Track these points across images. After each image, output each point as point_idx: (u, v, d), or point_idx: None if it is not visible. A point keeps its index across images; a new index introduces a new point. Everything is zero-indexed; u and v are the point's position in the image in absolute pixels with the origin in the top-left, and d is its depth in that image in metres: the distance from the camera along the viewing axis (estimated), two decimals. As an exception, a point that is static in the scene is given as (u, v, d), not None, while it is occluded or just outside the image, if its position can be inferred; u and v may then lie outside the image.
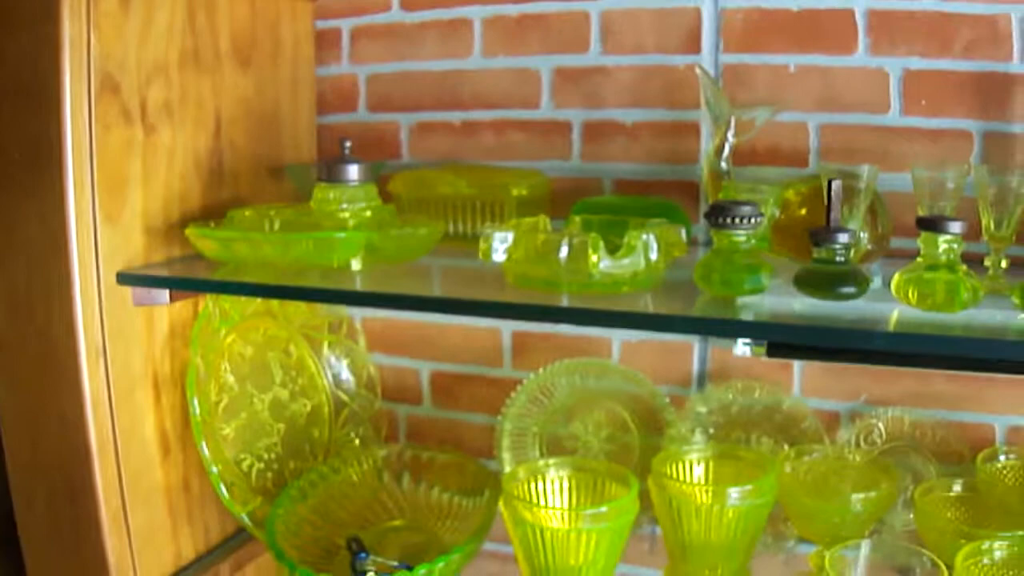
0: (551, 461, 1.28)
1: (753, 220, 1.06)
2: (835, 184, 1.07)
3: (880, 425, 1.39)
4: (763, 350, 1.32)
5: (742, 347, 1.36)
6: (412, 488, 1.46)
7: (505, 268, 1.11)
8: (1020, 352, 0.99)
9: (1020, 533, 1.17)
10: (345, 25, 1.58)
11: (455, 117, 1.53)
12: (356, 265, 1.19)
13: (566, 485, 1.27)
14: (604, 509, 1.15)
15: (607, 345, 1.50)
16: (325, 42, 1.60)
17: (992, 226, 1.17)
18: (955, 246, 1.02)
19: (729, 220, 1.05)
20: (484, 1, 1.48)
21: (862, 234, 1.22)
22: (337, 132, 1.57)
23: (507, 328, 1.56)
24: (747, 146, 1.33)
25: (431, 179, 1.38)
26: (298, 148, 1.55)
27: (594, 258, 1.06)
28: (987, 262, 1.15)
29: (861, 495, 1.23)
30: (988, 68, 1.29)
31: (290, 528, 1.32)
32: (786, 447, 1.38)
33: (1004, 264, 1.14)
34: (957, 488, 1.28)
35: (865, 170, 1.14)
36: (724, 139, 1.26)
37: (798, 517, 1.27)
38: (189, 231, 1.22)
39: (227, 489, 1.31)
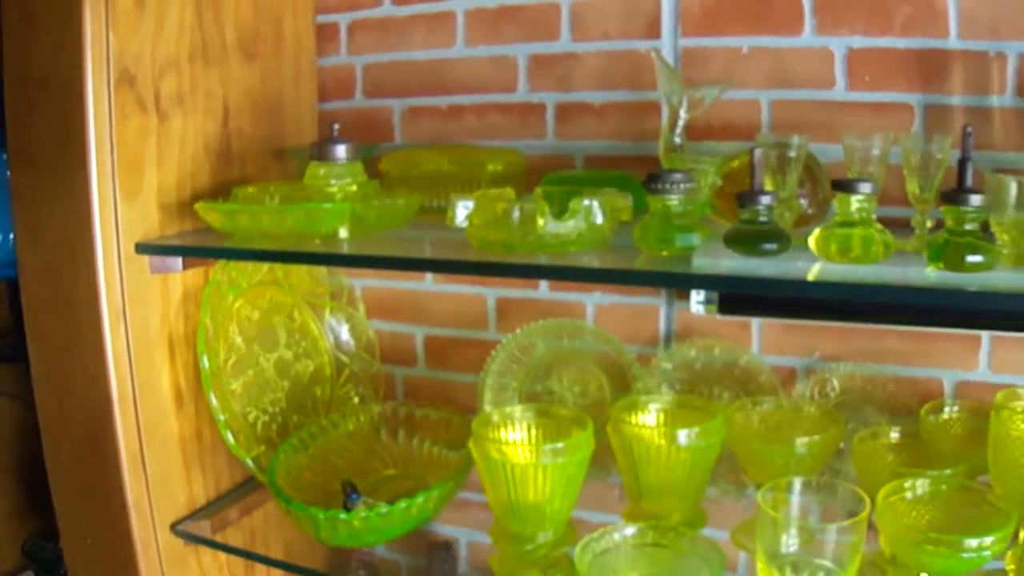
0: (517, 408, 1.45)
1: (683, 186, 1.23)
2: (756, 153, 1.23)
3: (834, 380, 1.56)
4: (715, 308, 1.51)
5: (696, 305, 1.53)
6: (406, 441, 1.65)
7: (469, 233, 1.29)
8: (921, 298, 1.15)
9: (942, 472, 1.31)
10: (343, 19, 1.78)
11: (441, 102, 1.73)
12: (344, 233, 1.39)
13: (530, 428, 1.43)
14: (561, 445, 1.32)
15: (582, 308, 1.69)
16: (325, 35, 1.80)
17: (917, 190, 1.33)
18: (867, 205, 1.19)
19: (662, 186, 1.23)
20: (467, -6, 1.72)
21: (802, 200, 1.39)
22: (336, 117, 1.71)
23: (492, 294, 1.75)
24: (703, 122, 1.49)
25: (417, 158, 1.57)
26: (300, 132, 1.74)
27: (541, 221, 1.24)
28: (913, 223, 1.31)
29: (805, 439, 1.39)
30: (927, 44, 1.45)
31: (291, 473, 1.52)
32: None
33: (929, 224, 1.30)
34: (895, 435, 1.43)
35: (796, 140, 1.31)
36: (676, 116, 1.43)
37: (749, 462, 1.44)
38: (198, 206, 1.42)
39: (233, 436, 1.50)
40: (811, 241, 1.21)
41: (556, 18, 1.63)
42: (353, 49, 1.79)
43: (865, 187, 1.19)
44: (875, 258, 1.18)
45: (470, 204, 1.29)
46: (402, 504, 1.37)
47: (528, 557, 1.37)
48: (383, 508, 1.37)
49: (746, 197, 1.22)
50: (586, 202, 1.25)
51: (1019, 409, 1.30)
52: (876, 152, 1.32)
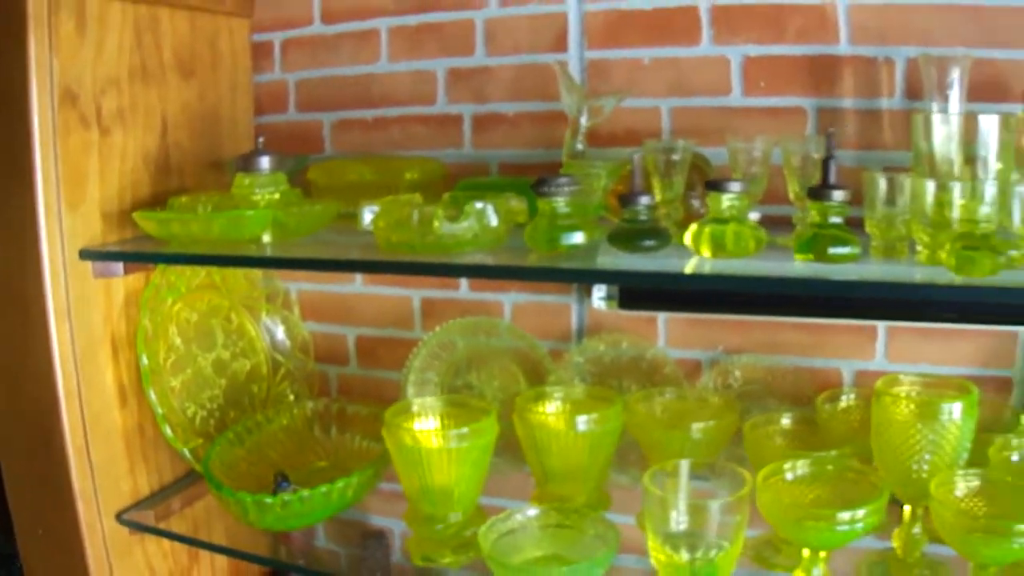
0: (428, 399, 1.60)
1: (568, 189, 1.37)
2: (635, 157, 1.37)
3: (736, 371, 1.69)
4: (616, 303, 1.65)
5: (598, 301, 1.67)
6: (337, 436, 1.80)
7: (375, 235, 1.42)
8: (787, 287, 1.29)
9: (828, 453, 1.45)
10: (277, 38, 1.94)
11: (367, 114, 1.89)
12: (267, 238, 1.53)
13: (440, 417, 1.56)
14: (465, 430, 1.46)
15: (499, 307, 1.84)
16: (260, 53, 1.95)
17: (797, 188, 1.46)
18: (737, 203, 1.31)
19: (548, 189, 1.36)
20: (389, 13, 1.83)
21: (694, 200, 1.53)
22: (271, 130, 1.92)
23: (416, 295, 1.90)
24: (607, 130, 1.64)
25: (341, 168, 1.72)
26: (238, 145, 1.88)
27: (436, 223, 1.39)
28: (795, 220, 1.44)
29: (700, 424, 1.52)
30: (819, 51, 1.60)
31: (227, 465, 1.66)
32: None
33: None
34: (786, 422, 1.57)
35: (680, 144, 1.44)
36: (578, 124, 1.57)
37: (650, 449, 1.56)
38: (136, 215, 1.56)
39: (172, 430, 1.65)
40: (687, 238, 1.35)
41: (472, 34, 1.78)
42: (286, 66, 1.95)
43: (735, 186, 1.33)
44: (747, 252, 1.32)
45: (375, 208, 1.44)
46: (322, 489, 1.51)
47: (439, 536, 1.51)
48: (305, 493, 1.51)
49: (626, 198, 1.36)
50: (479, 205, 1.39)
51: (899, 395, 1.43)
52: (758, 154, 1.47)
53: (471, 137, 1.82)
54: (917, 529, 1.45)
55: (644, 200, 1.35)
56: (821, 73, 1.60)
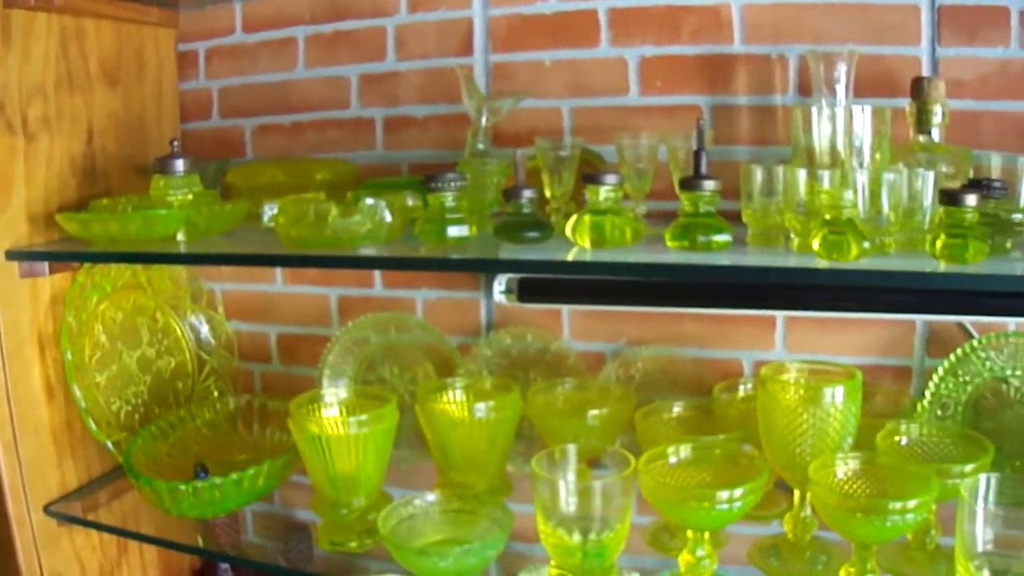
0: (332, 390, 1.63)
1: (455, 184, 1.40)
2: (518, 154, 1.41)
3: (638, 362, 1.72)
4: (515, 296, 1.68)
5: (499, 295, 1.70)
6: (259, 431, 1.84)
7: (278, 231, 1.46)
8: (661, 273, 1.38)
9: (708, 438, 1.47)
10: (202, 47, 1.98)
11: (285, 119, 1.93)
12: (180, 236, 1.57)
13: (343, 407, 1.60)
14: (365, 417, 1.50)
15: (412, 303, 1.88)
16: (186, 62, 2.00)
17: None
18: (613, 194, 1.34)
19: (436, 185, 1.39)
20: (306, 22, 1.88)
21: (586, 196, 1.57)
22: (197, 136, 1.98)
23: (334, 293, 1.95)
24: (512, 130, 1.68)
25: (257, 170, 1.76)
26: (163, 150, 1.81)
27: (330, 219, 1.44)
28: (678, 211, 1.46)
29: (596, 412, 1.56)
30: (713, 51, 1.64)
31: (150, 458, 1.68)
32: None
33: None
34: (678, 410, 1.59)
35: (568, 141, 1.48)
36: (478, 125, 1.62)
37: (549, 436, 1.58)
38: (58, 217, 1.59)
39: (95, 423, 1.69)
40: (567, 229, 1.40)
41: (383, 40, 1.83)
42: (210, 74, 1.99)
43: (611, 178, 1.36)
44: (624, 242, 1.35)
45: (275, 207, 1.49)
46: (233, 477, 1.55)
47: (344, 522, 1.55)
48: (217, 480, 1.54)
49: (510, 192, 1.40)
50: (370, 201, 1.42)
51: (785, 380, 1.45)
52: (644, 150, 1.51)
53: (383, 139, 1.86)
54: (807, 512, 1.48)
55: (527, 193, 1.38)
56: (716, 72, 1.64)
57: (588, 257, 1.33)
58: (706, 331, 1.70)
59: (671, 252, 1.33)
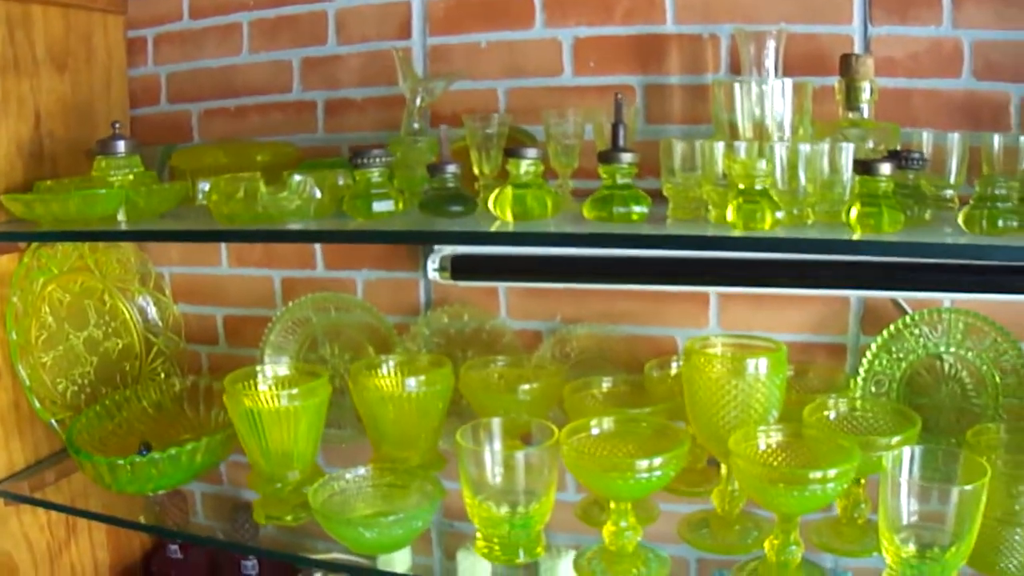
0: (266, 367, 1.64)
1: (380, 160, 1.42)
2: (441, 130, 1.43)
3: (573, 340, 1.73)
4: (448, 274, 1.70)
5: (432, 272, 1.71)
6: (204, 412, 1.87)
7: (211, 209, 1.48)
8: (577, 243, 1.41)
9: (634, 411, 1.48)
10: (150, 33, 2.00)
11: (231, 103, 1.95)
12: (121, 216, 1.59)
13: (276, 383, 1.61)
14: (296, 391, 1.52)
15: (352, 284, 1.90)
16: (135, 48, 2.02)
17: (613, 157, 1.52)
18: (533, 168, 1.36)
19: (362, 161, 1.41)
20: (250, 8, 1.90)
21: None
22: (146, 121, 2.00)
23: (277, 275, 1.97)
24: (449, 110, 1.69)
25: (200, 153, 1.77)
26: None
27: (259, 196, 1.43)
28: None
29: (526, 386, 1.57)
30: (646, 31, 1.66)
31: (95, 437, 1.71)
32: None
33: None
34: (607, 385, 1.61)
35: (495, 118, 1.50)
36: (412, 106, 1.64)
37: (481, 412, 1.58)
38: (3, 197, 1.60)
39: (40, 402, 1.71)
40: (490, 202, 1.41)
41: (324, 24, 1.85)
42: (158, 60, 2.01)
43: (531, 152, 1.37)
44: (545, 215, 1.36)
45: (207, 185, 1.51)
46: (171, 451, 1.57)
47: (279, 495, 1.56)
48: (156, 455, 1.56)
49: (434, 168, 1.41)
50: (297, 178, 1.44)
51: (709, 353, 1.45)
52: (571, 127, 1.52)
53: (324, 122, 1.89)
54: (734, 486, 1.50)
55: (451, 168, 1.40)
56: (648, 52, 1.66)
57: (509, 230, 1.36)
58: (641, 309, 1.72)
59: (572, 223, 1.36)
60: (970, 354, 1.56)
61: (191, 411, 1.86)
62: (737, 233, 1.23)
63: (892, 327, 1.57)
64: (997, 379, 1.55)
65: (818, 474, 1.25)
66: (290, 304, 1.86)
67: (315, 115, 1.88)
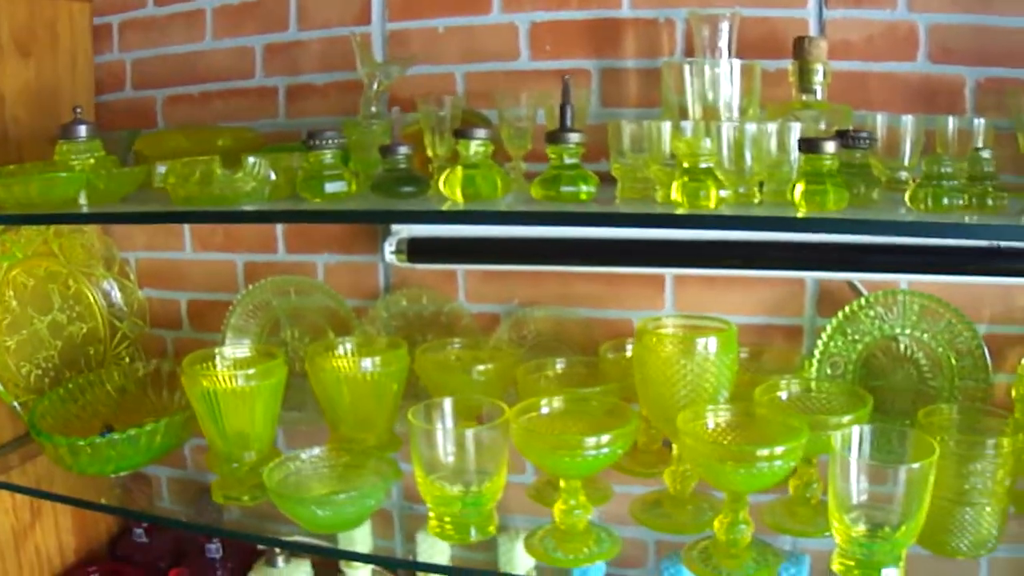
0: (224, 349, 1.66)
1: (333, 142, 1.43)
2: (394, 111, 1.46)
3: (530, 323, 1.75)
4: (404, 257, 1.72)
5: (389, 255, 1.73)
6: (168, 396, 1.88)
7: (168, 191, 1.49)
8: (524, 221, 1.42)
9: (584, 390, 1.51)
10: (116, 20, 2.02)
11: (194, 89, 1.97)
12: (82, 199, 1.62)
13: (233, 364, 1.63)
14: (252, 371, 1.54)
15: (313, 268, 1.92)
16: (101, 35, 2.03)
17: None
18: (483, 149, 1.37)
19: (315, 143, 1.42)
20: (213, -6, 1.93)
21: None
22: (111, 108, 2.02)
23: (240, 259, 1.99)
24: (408, 93, 1.69)
25: (162, 139, 1.80)
26: None
27: (214, 178, 1.44)
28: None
29: (481, 367, 1.59)
30: (602, 15, 1.68)
31: (59, 420, 1.73)
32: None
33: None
34: (560, 367, 1.62)
35: (447, 101, 1.52)
36: (370, 90, 1.66)
37: (437, 393, 1.57)
38: None
39: (3, 385, 1.73)
40: (440, 183, 1.43)
41: (286, 10, 1.88)
42: (124, 46, 2.03)
43: (480, 132, 1.38)
44: (494, 194, 1.37)
45: (163, 167, 1.54)
46: (131, 432, 1.59)
47: (236, 476, 1.58)
48: (115, 436, 1.59)
49: (386, 149, 1.42)
50: (252, 160, 1.45)
51: (660, 333, 1.45)
52: (523, 111, 1.55)
53: (285, 107, 1.91)
54: (687, 465, 1.51)
55: (402, 150, 1.41)
56: (604, 36, 1.68)
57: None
58: (598, 292, 1.74)
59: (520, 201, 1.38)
60: (925, 336, 1.58)
61: (154, 395, 1.88)
62: (682, 211, 1.25)
63: (847, 309, 1.59)
64: (953, 361, 1.57)
65: (765, 451, 1.25)
66: (250, 287, 1.89)
67: (277, 100, 1.91)
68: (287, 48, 1.88)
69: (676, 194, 1.25)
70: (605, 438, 1.32)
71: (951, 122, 1.39)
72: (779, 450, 1.25)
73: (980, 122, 1.38)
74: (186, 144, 1.72)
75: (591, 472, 1.40)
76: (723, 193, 1.25)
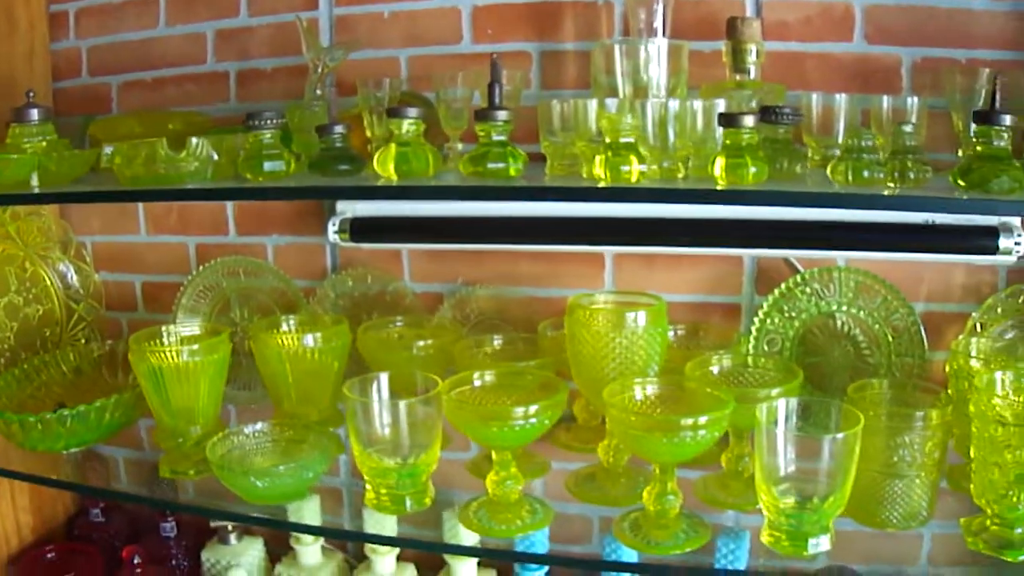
0: (170, 327, 1.70)
1: (271, 122, 1.48)
2: (329, 91, 1.52)
3: (473, 302, 1.80)
4: (347, 236, 1.76)
5: (333, 235, 1.77)
6: (123, 377, 1.93)
7: (115, 171, 1.54)
8: (448, 195, 1.51)
9: (518, 364, 1.56)
10: (72, 7, 2.06)
11: (148, 75, 2.02)
12: (34, 181, 1.67)
13: (179, 341, 1.67)
14: (196, 347, 1.59)
15: (263, 249, 1.97)
16: (57, 22, 2.08)
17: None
18: (414, 127, 1.41)
19: (255, 123, 1.47)
20: (167, -19, 1.97)
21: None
22: (68, 94, 2.07)
23: (191, 241, 2.04)
24: (352, 77, 1.71)
25: (115, 123, 1.84)
26: None
27: (159, 158, 1.49)
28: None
29: (421, 343, 1.65)
30: (542, -1, 1.72)
31: (14, 401, 1.78)
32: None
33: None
34: (498, 343, 1.68)
35: (386, 83, 1.57)
36: (315, 74, 1.71)
37: (379, 370, 1.58)
38: None
39: (-44, 366, 1.80)
40: (374, 161, 1.48)
41: (236, -3, 1.93)
42: (80, 33, 2.07)
43: (411, 111, 1.42)
44: (426, 172, 1.42)
45: (110, 148, 1.60)
46: (80, 408, 1.64)
47: (182, 450, 1.63)
48: (64, 412, 1.64)
49: (322, 129, 1.47)
50: (195, 141, 1.50)
51: (591, 308, 1.49)
52: (459, 92, 1.60)
53: (235, 92, 1.96)
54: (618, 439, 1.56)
55: (338, 129, 1.47)
56: (544, 19, 1.73)
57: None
58: (539, 271, 1.79)
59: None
60: (862, 313, 1.62)
61: (109, 375, 1.94)
62: (604, 184, 1.30)
63: (783, 286, 1.63)
64: (890, 337, 1.61)
65: (689, 421, 1.30)
66: (201, 269, 1.94)
67: (228, 85, 1.96)
68: (237, 34, 1.93)
69: (599, 168, 1.29)
70: (533, 408, 1.36)
71: (885, 101, 1.44)
72: (703, 419, 1.29)
73: (914, 100, 1.42)
74: (139, 128, 1.77)
75: (521, 443, 1.44)
76: (643, 168, 1.29)
